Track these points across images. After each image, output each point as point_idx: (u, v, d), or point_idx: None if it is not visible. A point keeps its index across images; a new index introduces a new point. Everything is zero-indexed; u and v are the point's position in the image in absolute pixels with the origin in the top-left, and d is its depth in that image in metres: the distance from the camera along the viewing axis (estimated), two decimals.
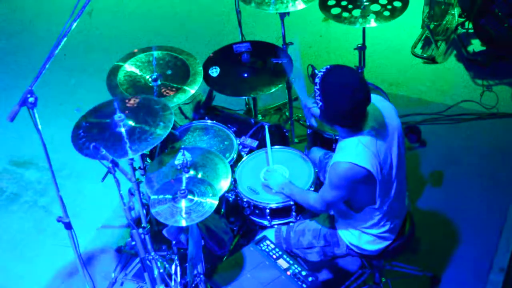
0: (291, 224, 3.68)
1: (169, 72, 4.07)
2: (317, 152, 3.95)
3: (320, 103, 3.14)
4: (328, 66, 3.16)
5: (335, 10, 4.22)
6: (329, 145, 4.08)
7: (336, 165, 3.19)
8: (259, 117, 4.74)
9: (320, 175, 3.83)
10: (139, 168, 3.97)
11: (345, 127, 3.18)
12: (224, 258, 3.84)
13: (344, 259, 4.08)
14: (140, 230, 3.38)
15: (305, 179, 3.76)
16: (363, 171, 3.14)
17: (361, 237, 3.45)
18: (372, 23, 4.14)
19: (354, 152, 3.15)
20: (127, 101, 3.58)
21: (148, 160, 4.07)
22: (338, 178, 3.20)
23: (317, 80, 3.14)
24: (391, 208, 3.37)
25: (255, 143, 4.02)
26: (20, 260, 4.41)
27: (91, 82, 5.63)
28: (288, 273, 3.33)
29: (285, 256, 3.40)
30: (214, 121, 4.16)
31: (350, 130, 3.19)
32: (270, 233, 3.64)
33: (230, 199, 3.84)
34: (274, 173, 3.76)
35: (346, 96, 3.06)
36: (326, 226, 3.57)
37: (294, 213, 3.70)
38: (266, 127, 3.98)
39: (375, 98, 3.26)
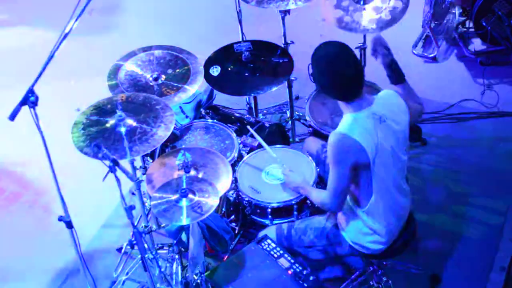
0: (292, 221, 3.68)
1: (169, 71, 4.07)
2: (313, 144, 3.94)
3: (311, 77, 3.29)
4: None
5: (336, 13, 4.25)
6: None
7: (331, 138, 3.25)
8: (260, 116, 4.74)
9: (320, 171, 3.83)
10: (140, 167, 3.98)
11: (340, 100, 3.28)
12: (225, 258, 3.84)
13: (345, 258, 4.09)
14: (141, 229, 3.38)
15: (307, 179, 3.75)
16: (354, 142, 3.18)
17: (366, 236, 3.45)
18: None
19: (347, 125, 3.22)
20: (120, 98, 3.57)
21: (149, 160, 4.07)
22: (332, 151, 3.23)
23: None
24: (392, 202, 3.38)
25: (256, 142, 4.02)
26: (21, 259, 4.41)
27: (91, 82, 5.62)
28: (289, 272, 3.33)
29: (286, 255, 3.40)
30: (215, 120, 4.16)
31: (347, 106, 3.26)
32: (270, 231, 3.64)
33: (231, 198, 3.84)
34: (292, 172, 3.73)
35: (323, 68, 3.22)
36: (329, 225, 3.57)
37: (295, 213, 3.70)
38: (251, 129, 4.00)
39: (393, 93, 3.37)
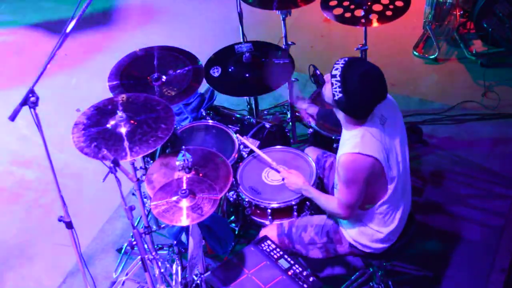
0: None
1: (170, 72, 4.06)
2: (313, 153, 3.94)
3: (340, 95, 3.14)
4: (346, 58, 3.18)
5: (337, 11, 4.22)
6: (330, 144, 4.08)
7: (342, 158, 3.19)
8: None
9: (319, 174, 3.83)
10: (140, 168, 3.97)
11: (355, 118, 3.20)
12: (225, 258, 3.84)
13: (345, 259, 4.09)
14: (141, 230, 3.38)
15: (307, 179, 3.75)
16: (368, 159, 3.15)
17: (367, 234, 3.44)
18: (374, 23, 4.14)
19: (360, 142, 3.17)
20: (120, 99, 3.57)
21: (149, 160, 4.07)
22: (347, 172, 3.20)
23: (336, 72, 3.15)
24: (398, 201, 3.38)
25: (256, 143, 4.02)
26: (21, 260, 4.41)
27: (92, 82, 5.63)
28: (289, 273, 3.32)
29: (286, 256, 3.40)
30: (215, 121, 4.16)
31: (357, 121, 3.21)
32: (271, 229, 3.62)
33: (231, 199, 3.84)
34: (291, 175, 3.70)
35: (369, 87, 3.12)
36: (330, 222, 3.56)
37: (295, 213, 3.70)
38: (240, 136, 4.00)
39: None
